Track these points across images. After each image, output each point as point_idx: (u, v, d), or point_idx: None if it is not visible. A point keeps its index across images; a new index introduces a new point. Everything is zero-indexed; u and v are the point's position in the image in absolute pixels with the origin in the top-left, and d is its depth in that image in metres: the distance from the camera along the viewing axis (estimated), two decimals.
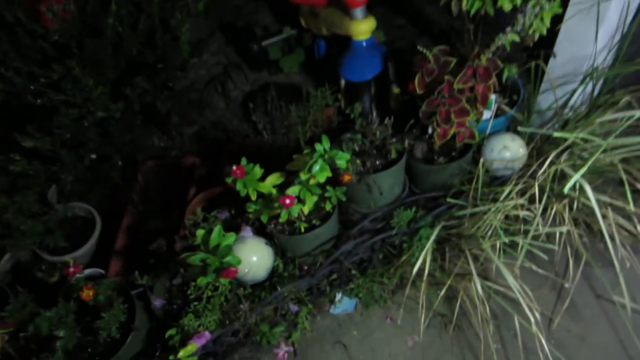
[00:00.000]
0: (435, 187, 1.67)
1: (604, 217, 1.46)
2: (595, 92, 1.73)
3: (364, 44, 1.84)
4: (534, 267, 1.51)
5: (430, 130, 1.53)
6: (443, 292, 1.54)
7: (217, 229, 1.25)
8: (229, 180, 1.33)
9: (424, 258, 1.52)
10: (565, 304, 1.54)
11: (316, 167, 1.17)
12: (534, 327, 1.33)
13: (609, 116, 1.52)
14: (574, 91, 1.63)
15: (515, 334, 1.54)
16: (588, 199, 1.35)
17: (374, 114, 1.82)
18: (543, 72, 1.68)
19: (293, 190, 1.39)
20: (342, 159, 1.17)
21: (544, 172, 1.46)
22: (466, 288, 1.57)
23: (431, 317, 1.61)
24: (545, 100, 1.74)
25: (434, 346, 1.55)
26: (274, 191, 1.40)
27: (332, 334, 1.62)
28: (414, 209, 1.50)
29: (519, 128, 1.52)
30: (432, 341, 1.56)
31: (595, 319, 1.55)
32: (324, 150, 1.16)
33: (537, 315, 1.35)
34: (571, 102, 1.71)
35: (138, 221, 1.83)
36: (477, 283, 1.40)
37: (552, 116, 1.78)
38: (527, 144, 1.70)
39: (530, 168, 1.58)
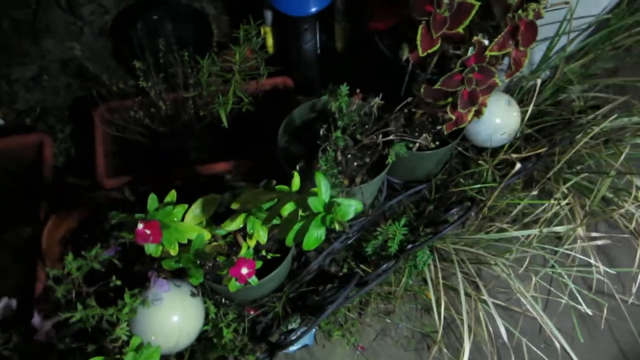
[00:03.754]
0: (414, 174, 1.23)
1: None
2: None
3: None
4: None
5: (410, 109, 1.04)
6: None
7: None
8: (129, 237, 0.74)
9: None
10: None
11: (313, 234, 0.63)
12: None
13: None
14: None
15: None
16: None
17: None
18: None
19: (234, 225, 0.85)
20: (351, 212, 0.65)
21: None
22: (453, 299, 1.24)
23: (410, 338, 1.28)
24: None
25: None
26: (206, 235, 0.84)
27: None
28: (403, 220, 1.06)
29: None
30: None
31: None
32: (326, 206, 0.62)
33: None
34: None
35: None
36: (492, 309, 1.04)
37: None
38: None
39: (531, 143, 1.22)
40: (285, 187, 0.69)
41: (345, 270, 1.22)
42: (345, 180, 0.91)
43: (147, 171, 1.16)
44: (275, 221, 0.82)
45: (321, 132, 0.89)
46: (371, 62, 1.39)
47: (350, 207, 0.64)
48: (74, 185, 1.29)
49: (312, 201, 0.61)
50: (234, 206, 0.79)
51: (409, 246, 1.04)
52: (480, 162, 1.12)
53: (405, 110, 1.01)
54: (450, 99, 0.93)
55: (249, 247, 0.84)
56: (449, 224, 1.01)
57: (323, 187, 0.64)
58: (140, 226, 0.69)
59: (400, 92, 1.18)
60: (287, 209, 0.64)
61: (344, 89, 0.86)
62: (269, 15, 1.31)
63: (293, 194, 0.69)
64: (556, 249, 1.00)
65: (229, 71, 1.17)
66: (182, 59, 1.13)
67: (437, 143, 1.10)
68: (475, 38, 0.89)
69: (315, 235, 0.64)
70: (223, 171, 1.17)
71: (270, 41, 1.34)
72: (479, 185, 1.11)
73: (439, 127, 1.18)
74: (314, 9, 1.21)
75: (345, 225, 0.61)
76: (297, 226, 0.65)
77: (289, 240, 0.66)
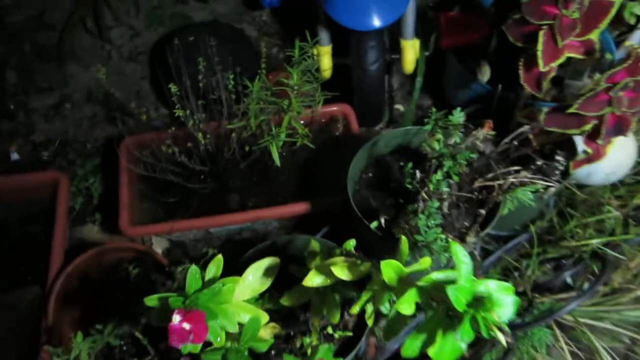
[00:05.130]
0: (510, 222, 0.99)
1: None
2: None
3: None
4: None
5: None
6: None
7: None
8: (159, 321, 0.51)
9: None
10: None
11: (450, 343, 0.40)
12: None
13: None
14: None
15: None
16: None
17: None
18: None
19: (298, 300, 0.62)
20: (510, 309, 0.41)
21: None
22: None
23: None
24: None
25: None
26: (264, 318, 0.61)
27: None
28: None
29: None
30: None
31: None
32: (474, 299, 0.39)
33: None
34: None
35: None
36: None
37: None
38: None
39: None
40: (393, 262, 0.45)
41: None
42: (449, 237, 0.67)
43: (180, 219, 0.94)
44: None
45: (417, 175, 0.66)
46: (445, 85, 1.17)
47: (506, 299, 0.40)
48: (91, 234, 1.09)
49: (453, 293, 0.37)
50: (307, 280, 0.55)
51: (522, 321, 0.78)
52: (606, 205, 0.86)
53: (515, 143, 0.78)
54: (586, 127, 0.69)
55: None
56: (580, 294, 0.75)
57: (464, 265, 0.40)
58: (176, 319, 0.45)
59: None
60: (407, 301, 0.40)
61: (458, 114, 0.63)
62: (324, 33, 1.10)
63: (403, 272, 0.45)
64: None
65: (279, 97, 0.96)
66: (225, 83, 0.92)
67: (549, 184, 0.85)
68: (627, 43, 0.65)
69: (454, 345, 0.40)
70: (273, 217, 0.95)
71: (326, 64, 1.13)
72: (605, 239, 0.85)
73: (539, 163, 0.95)
74: (382, 22, 0.99)
75: (508, 335, 0.37)
76: (423, 331, 0.41)
77: (408, 350, 0.42)
